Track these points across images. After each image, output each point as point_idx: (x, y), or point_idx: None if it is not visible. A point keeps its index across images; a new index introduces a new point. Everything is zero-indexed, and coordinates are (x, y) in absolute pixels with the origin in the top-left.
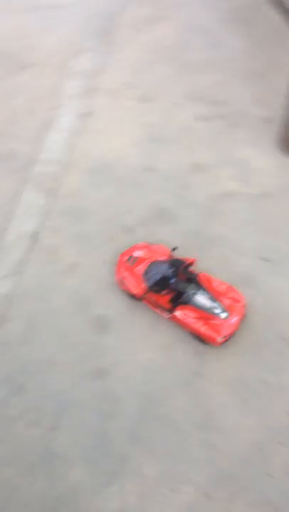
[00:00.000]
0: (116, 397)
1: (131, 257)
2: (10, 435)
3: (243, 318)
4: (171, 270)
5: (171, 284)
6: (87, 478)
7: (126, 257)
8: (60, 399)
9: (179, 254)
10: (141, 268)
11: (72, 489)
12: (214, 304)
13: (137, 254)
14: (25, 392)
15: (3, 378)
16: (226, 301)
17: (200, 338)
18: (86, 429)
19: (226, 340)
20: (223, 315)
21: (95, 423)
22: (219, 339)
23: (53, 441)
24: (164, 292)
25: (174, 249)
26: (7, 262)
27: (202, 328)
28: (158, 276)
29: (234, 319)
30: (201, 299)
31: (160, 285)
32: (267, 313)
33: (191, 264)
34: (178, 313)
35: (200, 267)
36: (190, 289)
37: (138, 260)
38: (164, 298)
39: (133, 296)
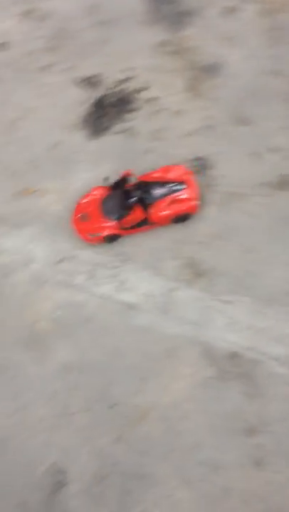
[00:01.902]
0: None
1: (81, 215)
2: None
3: (194, 178)
4: (119, 191)
5: (131, 200)
6: None
7: (77, 218)
8: None
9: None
10: (96, 214)
11: None
12: (169, 185)
13: (82, 209)
14: None
15: None
16: (174, 176)
17: (183, 218)
18: None
19: (199, 200)
20: (182, 186)
21: None
22: (196, 202)
23: None
24: (132, 211)
25: (105, 179)
26: None
27: (179, 207)
28: (116, 204)
29: (190, 182)
30: (157, 190)
31: (124, 208)
32: None
33: (128, 175)
34: (155, 215)
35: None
36: (144, 191)
37: (89, 211)
38: (137, 214)
39: (112, 238)
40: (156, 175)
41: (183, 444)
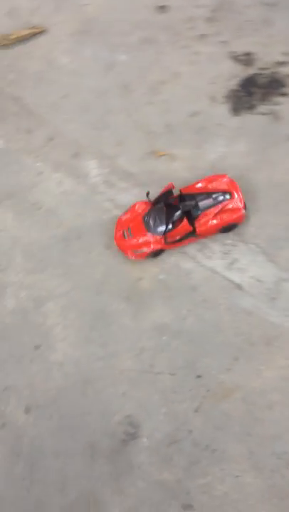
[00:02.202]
0: None
1: (124, 231)
2: None
3: (238, 184)
4: (163, 206)
5: (176, 214)
6: None
7: (120, 235)
8: None
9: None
10: (139, 229)
11: None
12: (214, 196)
13: (124, 226)
14: None
15: None
16: (218, 186)
17: (230, 227)
18: None
19: (245, 208)
20: (227, 196)
21: None
22: (243, 211)
23: None
24: (178, 225)
25: (147, 194)
26: None
27: (226, 217)
28: (160, 218)
29: (235, 191)
30: (203, 202)
31: (169, 222)
32: None
33: (171, 189)
34: (202, 227)
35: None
36: (190, 204)
37: (131, 227)
38: (183, 227)
39: (156, 253)
40: (199, 185)
41: (262, 431)
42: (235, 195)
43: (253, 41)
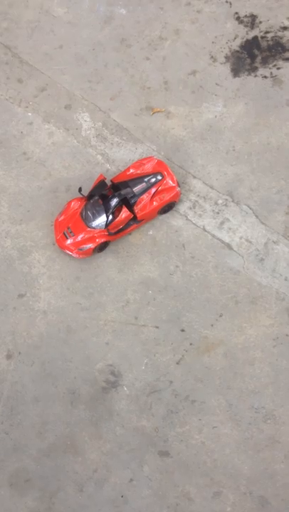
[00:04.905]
0: None
1: (64, 231)
2: None
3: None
4: (98, 198)
5: (113, 204)
6: None
7: (61, 236)
8: None
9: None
10: (79, 226)
11: None
12: (146, 179)
13: (63, 227)
14: None
15: None
16: (148, 169)
17: (167, 207)
18: None
19: (179, 185)
20: (159, 177)
21: None
22: (178, 189)
23: None
24: (117, 214)
25: (80, 190)
26: None
27: (163, 198)
28: (100, 211)
29: (166, 170)
30: (137, 187)
31: (108, 213)
32: None
33: (103, 180)
34: (143, 211)
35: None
36: (125, 191)
37: (71, 226)
38: (124, 216)
39: (102, 247)
40: (129, 172)
41: (241, 386)
42: (166, 175)
43: (259, 4)
